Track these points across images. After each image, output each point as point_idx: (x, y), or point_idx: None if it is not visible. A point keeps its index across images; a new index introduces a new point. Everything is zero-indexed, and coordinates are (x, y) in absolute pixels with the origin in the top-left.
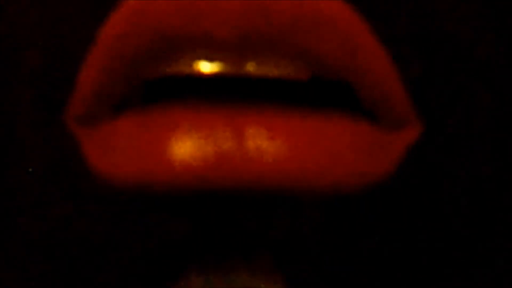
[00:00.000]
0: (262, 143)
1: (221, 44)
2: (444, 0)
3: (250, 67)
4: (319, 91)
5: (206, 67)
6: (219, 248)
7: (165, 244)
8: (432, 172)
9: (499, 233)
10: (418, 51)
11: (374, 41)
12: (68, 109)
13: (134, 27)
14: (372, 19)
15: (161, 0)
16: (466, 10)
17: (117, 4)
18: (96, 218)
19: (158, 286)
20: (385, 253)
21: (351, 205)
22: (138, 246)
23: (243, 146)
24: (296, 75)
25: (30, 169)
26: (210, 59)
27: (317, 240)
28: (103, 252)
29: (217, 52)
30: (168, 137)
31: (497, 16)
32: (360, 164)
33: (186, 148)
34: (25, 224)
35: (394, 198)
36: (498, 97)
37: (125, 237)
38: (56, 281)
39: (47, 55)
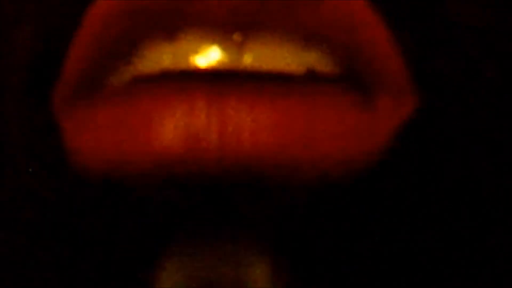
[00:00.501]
0: (243, 125)
1: (215, 29)
2: None
3: (248, 58)
4: None
5: (202, 61)
6: (203, 229)
7: (143, 228)
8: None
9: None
10: (418, 34)
11: (375, 19)
12: (54, 93)
13: (123, 9)
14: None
15: None
16: None
17: None
18: (72, 203)
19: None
20: (379, 237)
21: (341, 187)
22: (114, 233)
23: (222, 129)
24: (295, 67)
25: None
26: (204, 47)
27: (306, 222)
28: (78, 239)
29: (211, 40)
30: (147, 121)
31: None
32: (346, 145)
33: (165, 131)
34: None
35: (387, 181)
36: (502, 77)
37: (102, 225)
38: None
39: (36, 39)
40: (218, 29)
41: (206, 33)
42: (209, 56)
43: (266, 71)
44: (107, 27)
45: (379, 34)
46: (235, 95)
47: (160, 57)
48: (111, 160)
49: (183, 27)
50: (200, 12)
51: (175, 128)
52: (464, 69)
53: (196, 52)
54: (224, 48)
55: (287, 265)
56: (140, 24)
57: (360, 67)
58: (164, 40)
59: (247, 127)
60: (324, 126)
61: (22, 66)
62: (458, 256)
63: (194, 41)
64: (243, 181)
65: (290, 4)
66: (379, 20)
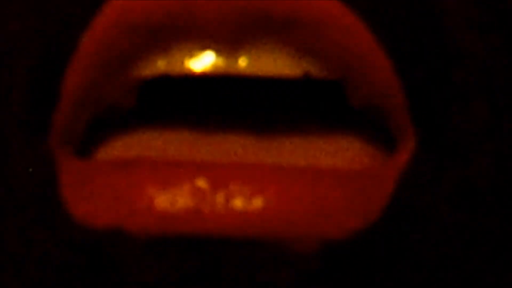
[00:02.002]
0: (245, 202)
1: (213, 37)
2: (441, 5)
3: (243, 62)
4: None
5: (197, 65)
6: None
7: None
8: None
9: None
10: (414, 58)
11: (371, 39)
12: (52, 125)
13: (119, 26)
14: (367, 21)
15: None
16: (464, 15)
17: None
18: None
19: None
20: None
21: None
22: None
23: (226, 203)
24: (289, 71)
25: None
26: (201, 51)
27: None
28: None
29: (209, 45)
30: (146, 190)
31: (494, 20)
32: (348, 216)
33: (165, 201)
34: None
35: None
36: (495, 107)
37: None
38: None
39: (35, 65)
40: (214, 40)
41: (201, 41)
42: (203, 60)
43: (261, 75)
44: (104, 48)
45: (375, 54)
46: (238, 181)
47: (155, 63)
48: (107, 227)
49: (179, 40)
50: (196, 28)
51: (173, 203)
52: (458, 109)
53: (190, 56)
54: (218, 52)
55: None
56: (137, 42)
57: (359, 94)
58: (159, 52)
59: (248, 206)
60: (328, 205)
61: (19, 100)
62: None
63: (188, 47)
64: (242, 252)
65: (288, 23)
66: (375, 41)
